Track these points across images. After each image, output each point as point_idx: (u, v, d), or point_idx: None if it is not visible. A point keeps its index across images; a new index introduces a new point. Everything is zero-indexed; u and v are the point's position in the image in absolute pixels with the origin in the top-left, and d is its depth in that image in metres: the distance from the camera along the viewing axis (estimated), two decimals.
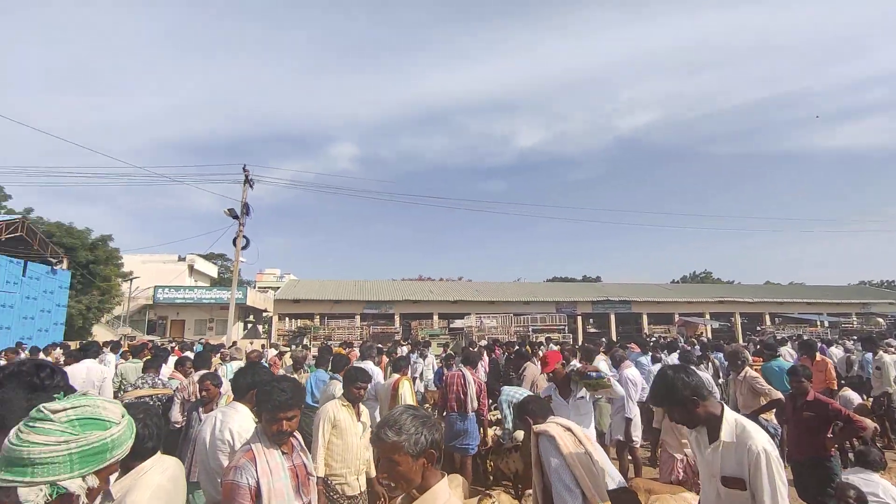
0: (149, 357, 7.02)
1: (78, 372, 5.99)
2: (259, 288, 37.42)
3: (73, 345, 11.65)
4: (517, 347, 10.46)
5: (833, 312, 34.88)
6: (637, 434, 6.14)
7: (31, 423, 1.08)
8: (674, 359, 8.45)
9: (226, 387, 4.82)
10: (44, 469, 1.04)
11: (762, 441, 2.12)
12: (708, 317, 33.36)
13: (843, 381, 8.68)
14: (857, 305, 36.80)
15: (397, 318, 29.85)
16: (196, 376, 5.40)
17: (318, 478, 3.42)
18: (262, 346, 16.78)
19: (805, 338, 14.92)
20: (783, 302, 36.19)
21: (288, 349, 15.19)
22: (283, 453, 2.50)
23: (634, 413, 6.20)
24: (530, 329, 27.37)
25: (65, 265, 23.24)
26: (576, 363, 6.07)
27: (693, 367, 2.61)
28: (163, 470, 2.24)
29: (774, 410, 5.60)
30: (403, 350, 12.30)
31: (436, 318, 30.30)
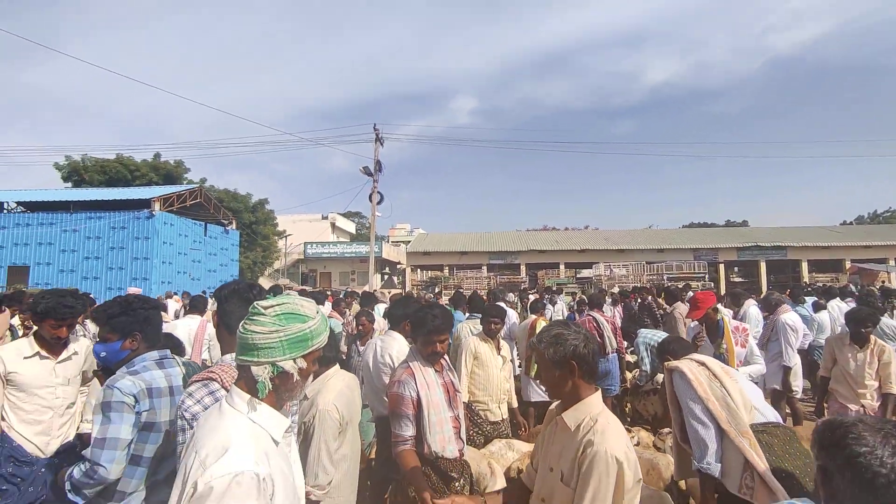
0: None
1: None
2: (392, 242, 40.16)
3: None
4: (664, 288, 9.89)
5: None
6: (797, 384, 5.62)
7: (251, 318, 1.38)
8: (841, 306, 7.43)
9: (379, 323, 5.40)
10: (265, 352, 1.35)
11: None
12: (893, 263, 28.25)
13: None
14: None
15: (523, 269, 30.06)
16: (351, 315, 6.11)
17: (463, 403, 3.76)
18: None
19: None
20: None
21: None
22: (436, 371, 2.80)
23: (794, 361, 5.65)
24: (665, 277, 25.76)
25: (234, 226, 27.10)
26: (721, 309, 5.62)
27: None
28: (342, 378, 2.70)
29: None
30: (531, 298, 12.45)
31: (562, 267, 29.89)
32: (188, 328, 5.05)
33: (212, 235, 25.02)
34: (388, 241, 38.33)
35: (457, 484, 2.69)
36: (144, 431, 2.01)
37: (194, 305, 5.71)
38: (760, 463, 2.54)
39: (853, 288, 13.81)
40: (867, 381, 4.28)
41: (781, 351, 5.62)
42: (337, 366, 2.76)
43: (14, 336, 5.37)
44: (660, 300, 9.75)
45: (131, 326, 2.14)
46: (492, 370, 4.15)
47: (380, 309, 7.53)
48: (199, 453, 1.24)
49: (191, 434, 1.40)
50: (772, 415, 2.87)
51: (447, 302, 11.18)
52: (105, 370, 2.27)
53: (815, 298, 8.41)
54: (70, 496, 1.92)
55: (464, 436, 2.89)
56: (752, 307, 6.63)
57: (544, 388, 2.04)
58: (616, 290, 15.14)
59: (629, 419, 5.86)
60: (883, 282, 23.25)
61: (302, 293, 10.15)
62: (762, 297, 6.63)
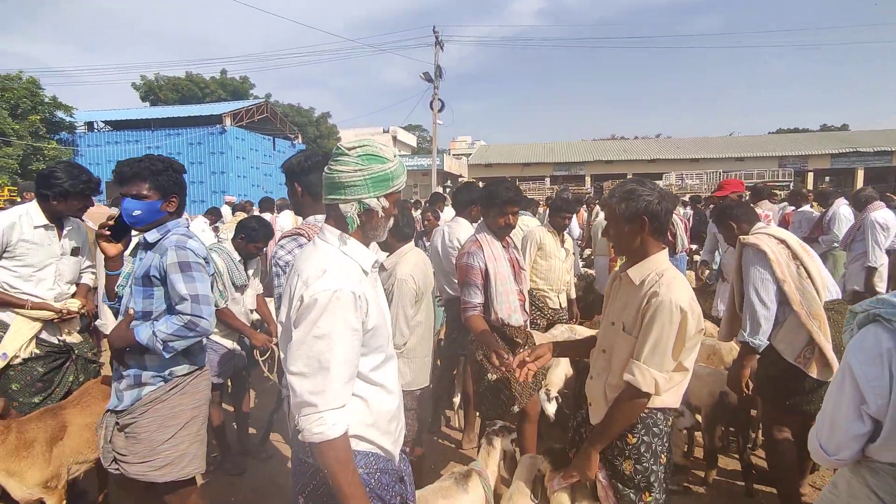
0: None
1: None
2: (454, 155, 39.73)
3: None
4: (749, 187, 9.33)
5: None
6: (882, 286, 5.31)
7: (335, 159, 1.48)
8: None
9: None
10: (351, 189, 1.46)
11: None
12: None
13: None
14: None
15: (588, 180, 29.02)
16: (418, 213, 6.34)
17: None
18: None
19: None
20: None
21: None
22: (503, 246, 2.91)
23: (881, 262, 5.29)
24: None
25: (300, 140, 27.76)
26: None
27: None
28: (417, 253, 2.88)
29: None
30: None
31: (630, 178, 28.52)
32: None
33: (280, 150, 25.87)
34: (449, 154, 37.91)
35: (521, 350, 2.90)
36: None
37: (265, 207, 6.28)
38: (826, 343, 2.56)
39: None
40: None
41: (867, 250, 5.28)
42: (412, 242, 2.94)
43: None
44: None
45: (173, 188, 2.09)
46: (554, 262, 4.26)
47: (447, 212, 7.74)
48: (300, 276, 1.42)
49: (287, 273, 1.59)
50: (835, 291, 2.86)
51: None
52: (120, 228, 2.14)
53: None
54: (161, 350, 1.98)
55: (527, 308, 3.04)
56: (842, 206, 6.14)
57: (612, 245, 2.08)
58: (688, 197, 14.42)
59: None
60: None
61: None
62: (853, 193, 6.09)
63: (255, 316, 3.87)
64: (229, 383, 3.57)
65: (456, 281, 3.72)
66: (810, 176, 27.69)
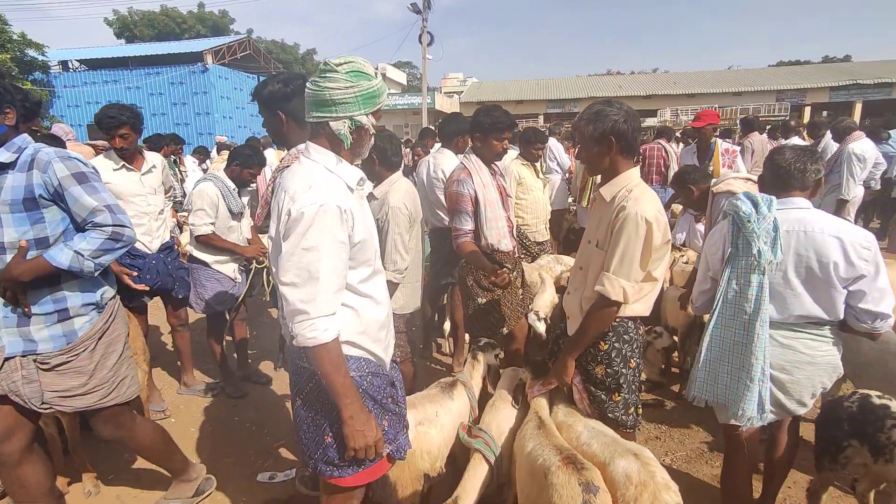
0: None
1: None
2: (445, 93, 38.54)
3: None
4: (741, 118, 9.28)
5: None
6: (850, 217, 5.37)
7: (323, 75, 1.47)
8: None
9: None
10: (343, 107, 1.48)
11: None
12: None
13: None
14: None
15: None
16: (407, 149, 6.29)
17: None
18: None
19: None
20: None
21: None
22: (490, 173, 2.94)
23: (853, 194, 5.35)
24: (737, 122, 23.69)
25: None
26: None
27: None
28: (406, 182, 2.92)
29: None
30: None
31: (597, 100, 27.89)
32: None
33: None
34: (440, 92, 36.76)
35: (510, 274, 3.02)
36: None
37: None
38: None
39: None
40: None
41: (841, 182, 5.31)
42: (400, 171, 2.97)
43: None
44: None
45: (4, 97, 1.84)
46: (535, 193, 4.31)
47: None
48: (287, 191, 1.46)
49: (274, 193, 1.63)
50: None
51: None
52: None
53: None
54: (92, 269, 1.87)
55: (515, 234, 3.12)
56: (860, 142, 6.12)
57: (585, 166, 2.14)
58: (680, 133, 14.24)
59: None
60: None
61: None
62: (833, 123, 6.07)
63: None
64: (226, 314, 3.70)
65: (440, 212, 3.80)
66: (807, 110, 27.22)
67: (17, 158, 1.82)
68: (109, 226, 1.86)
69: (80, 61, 24.12)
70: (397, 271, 2.66)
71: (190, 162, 8.32)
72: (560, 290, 3.94)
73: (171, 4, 29.17)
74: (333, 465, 1.55)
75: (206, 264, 3.41)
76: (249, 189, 3.61)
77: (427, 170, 3.92)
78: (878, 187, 6.32)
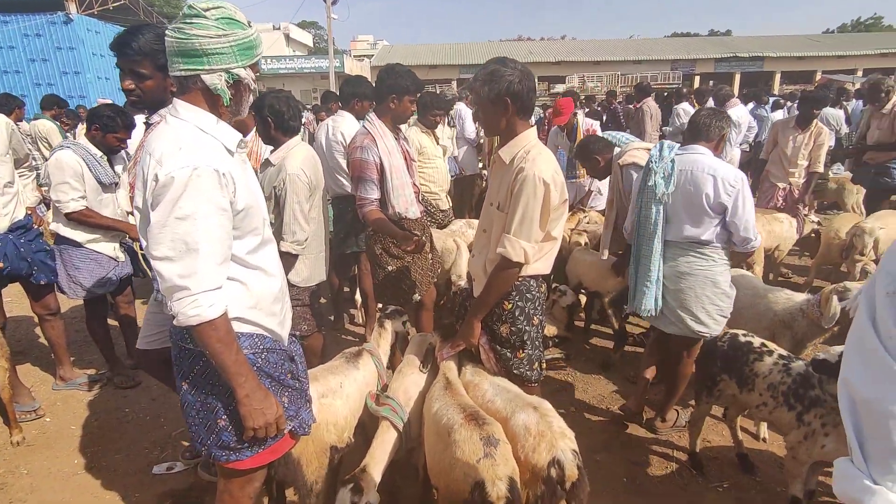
0: None
1: None
2: (355, 56, 36.91)
3: None
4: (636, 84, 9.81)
5: None
6: None
7: (188, 21, 1.28)
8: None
9: None
10: (216, 58, 1.31)
11: None
12: (860, 74, 28.01)
13: None
14: None
15: None
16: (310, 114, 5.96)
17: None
18: None
19: None
20: None
21: None
22: (394, 137, 2.84)
23: (731, 157, 5.90)
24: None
25: None
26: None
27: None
28: (305, 147, 2.74)
29: None
30: None
31: (536, 80, 28.58)
32: None
33: None
34: (349, 55, 35.16)
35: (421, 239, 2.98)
36: None
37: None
38: None
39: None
40: (799, 161, 4.61)
41: None
42: (299, 136, 2.77)
43: None
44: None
45: None
46: (437, 161, 4.22)
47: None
48: (153, 154, 1.28)
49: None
50: None
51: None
52: None
53: (777, 99, 8.54)
54: None
55: (421, 200, 3.07)
56: (736, 108, 6.65)
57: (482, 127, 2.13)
58: (603, 96, 14.87)
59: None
60: (848, 91, 23.31)
61: None
62: (715, 91, 6.66)
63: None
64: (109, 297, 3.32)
65: (342, 177, 3.65)
66: (697, 79, 29.48)
67: None
68: None
69: None
70: (296, 242, 2.52)
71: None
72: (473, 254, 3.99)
73: None
74: (229, 448, 1.45)
75: (77, 244, 2.99)
76: (122, 156, 3.19)
77: (326, 133, 3.72)
78: (748, 150, 7.04)
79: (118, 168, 3.13)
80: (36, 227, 3.24)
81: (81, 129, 6.96)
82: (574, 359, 3.61)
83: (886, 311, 0.59)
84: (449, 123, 6.04)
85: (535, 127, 2.03)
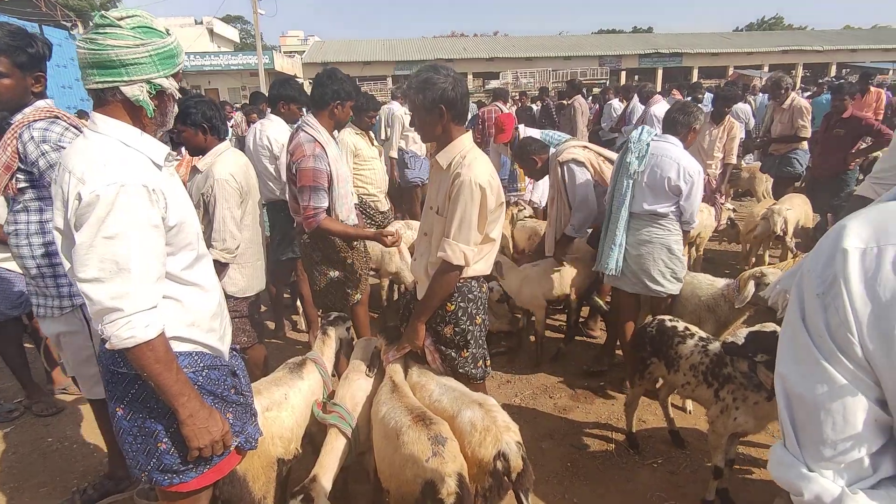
0: None
1: None
2: (285, 52, 35.71)
3: None
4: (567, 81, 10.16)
5: None
6: None
7: (100, 31, 1.23)
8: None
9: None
10: (135, 69, 1.26)
11: None
12: (766, 69, 30.49)
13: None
14: None
15: None
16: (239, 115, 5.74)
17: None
18: None
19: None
20: (856, 49, 32.16)
21: None
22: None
23: None
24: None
25: (80, 29, 22.33)
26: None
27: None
28: (235, 152, 2.66)
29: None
30: None
31: (470, 77, 28.98)
32: None
33: (52, 41, 20.53)
34: (279, 52, 33.98)
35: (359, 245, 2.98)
36: None
37: None
38: None
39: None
40: (715, 154, 4.99)
41: None
42: (227, 141, 2.68)
43: None
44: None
45: None
46: (374, 162, 4.19)
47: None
48: (73, 172, 1.21)
49: (56, 172, 1.36)
50: None
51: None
52: None
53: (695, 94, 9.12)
54: None
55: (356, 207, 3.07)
56: (658, 105, 7.01)
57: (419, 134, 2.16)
58: (535, 92, 15.21)
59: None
60: (755, 86, 25.33)
61: None
62: (639, 88, 7.05)
63: None
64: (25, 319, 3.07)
65: (271, 183, 3.56)
66: (623, 74, 30.98)
67: None
68: None
69: None
70: (226, 250, 2.46)
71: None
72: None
73: None
74: (172, 471, 1.40)
75: None
76: None
77: (253, 137, 3.59)
78: None
79: None
80: None
81: None
82: (518, 352, 3.73)
83: (816, 313, 0.62)
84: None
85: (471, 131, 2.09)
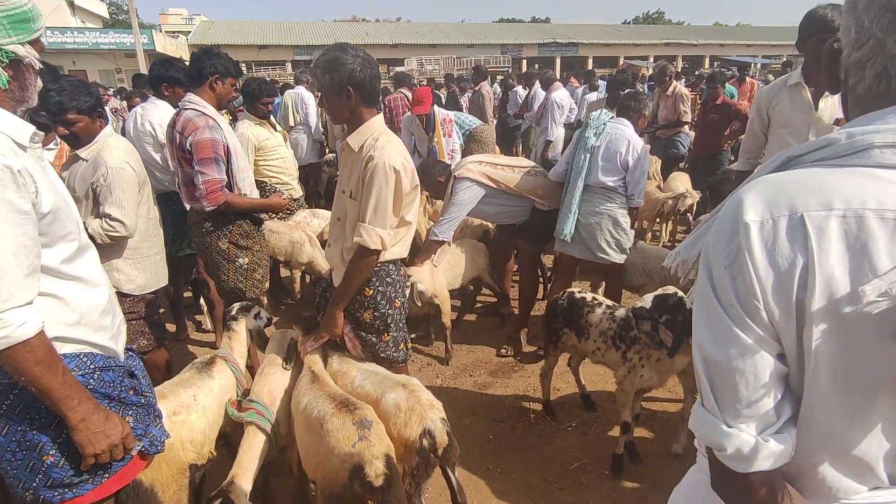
0: None
1: None
2: (167, 32, 32.58)
3: None
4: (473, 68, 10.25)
5: (768, 55, 35.45)
6: (555, 154, 6.45)
7: None
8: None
9: None
10: None
11: None
12: (652, 60, 33.22)
13: None
14: (792, 47, 37.31)
15: None
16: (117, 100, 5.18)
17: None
18: None
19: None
20: (724, 44, 36.10)
21: None
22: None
23: (556, 135, 6.59)
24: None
25: None
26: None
27: None
28: (121, 139, 2.43)
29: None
30: None
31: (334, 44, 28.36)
32: None
33: None
34: (160, 31, 30.93)
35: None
36: None
37: None
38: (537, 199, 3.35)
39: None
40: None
41: (548, 126, 6.53)
42: (110, 126, 2.41)
43: None
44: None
45: None
46: (280, 150, 4.00)
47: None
48: None
49: None
50: (528, 163, 3.60)
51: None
52: None
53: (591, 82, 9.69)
54: None
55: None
56: (559, 91, 7.27)
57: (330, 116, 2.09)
58: (442, 79, 15.19)
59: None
60: (643, 76, 27.55)
61: None
62: (540, 75, 7.36)
63: None
64: None
65: (158, 172, 3.26)
66: (524, 63, 32.17)
67: None
68: None
69: None
70: (112, 229, 2.24)
71: None
72: (324, 243, 3.87)
73: None
74: (63, 485, 1.25)
75: None
76: None
77: (134, 122, 3.26)
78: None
79: None
80: None
81: None
82: (437, 334, 3.78)
83: (725, 283, 0.68)
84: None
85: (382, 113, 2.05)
